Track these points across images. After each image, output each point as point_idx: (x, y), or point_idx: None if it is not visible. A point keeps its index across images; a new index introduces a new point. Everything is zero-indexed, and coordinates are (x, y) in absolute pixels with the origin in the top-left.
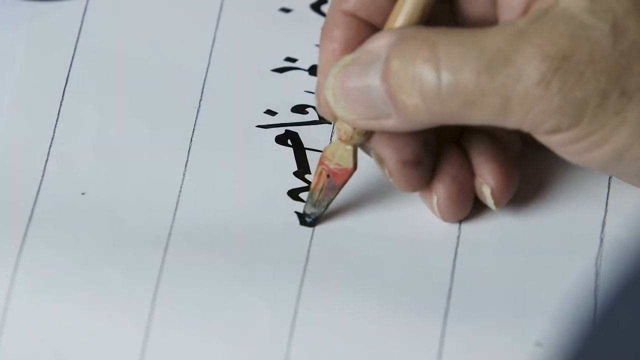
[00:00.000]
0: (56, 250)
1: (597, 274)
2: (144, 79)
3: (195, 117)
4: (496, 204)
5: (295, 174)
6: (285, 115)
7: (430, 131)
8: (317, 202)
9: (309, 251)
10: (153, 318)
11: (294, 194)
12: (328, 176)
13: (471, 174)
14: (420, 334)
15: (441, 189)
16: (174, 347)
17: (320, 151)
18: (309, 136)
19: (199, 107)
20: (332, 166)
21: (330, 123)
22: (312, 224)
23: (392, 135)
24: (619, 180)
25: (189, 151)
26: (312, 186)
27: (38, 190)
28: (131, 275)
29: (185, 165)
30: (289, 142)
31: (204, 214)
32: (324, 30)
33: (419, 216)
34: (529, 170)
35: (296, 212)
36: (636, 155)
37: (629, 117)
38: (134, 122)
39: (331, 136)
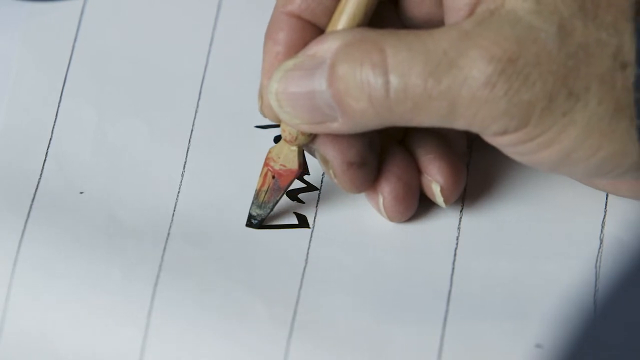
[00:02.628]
0: (54, 248)
1: (596, 275)
2: (142, 79)
3: (193, 117)
4: (445, 201)
5: None
6: None
7: (374, 132)
8: (263, 203)
9: (308, 252)
10: (152, 317)
11: (292, 194)
12: (273, 177)
13: (416, 172)
14: (420, 337)
15: (387, 189)
16: (172, 346)
17: None
18: None
19: (197, 107)
20: (277, 167)
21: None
22: (258, 225)
23: (337, 136)
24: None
25: (187, 151)
26: (257, 188)
27: (36, 189)
28: (130, 274)
29: (184, 165)
30: None
31: (203, 214)
32: (268, 32)
33: (418, 218)
34: (529, 171)
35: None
36: (583, 155)
37: (577, 117)
38: (132, 122)
39: None
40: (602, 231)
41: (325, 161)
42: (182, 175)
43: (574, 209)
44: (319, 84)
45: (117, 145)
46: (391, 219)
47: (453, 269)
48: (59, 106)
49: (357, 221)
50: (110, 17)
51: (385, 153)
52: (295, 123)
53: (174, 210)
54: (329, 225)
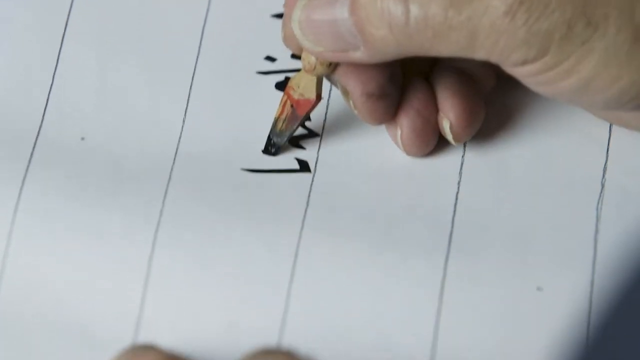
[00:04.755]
0: (55, 194)
1: (597, 217)
2: (143, 25)
3: (194, 63)
4: (455, 139)
5: None
6: (285, 62)
7: (396, 64)
8: (280, 132)
9: (309, 197)
10: (153, 262)
11: (293, 140)
12: (292, 106)
13: (436, 109)
14: (421, 278)
15: (405, 122)
16: (173, 291)
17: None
18: None
19: (199, 53)
20: (296, 96)
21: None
22: (275, 153)
23: (357, 67)
24: (621, 127)
25: (188, 96)
26: (275, 115)
27: (37, 135)
28: (131, 218)
29: (185, 111)
30: None
31: (204, 159)
32: None
33: (419, 163)
34: (531, 115)
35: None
36: (602, 84)
37: (595, 46)
38: (133, 69)
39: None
40: (603, 176)
41: (345, 92)
42: (184, 121)
43: (576, 152)
44: (341, 11)
45: (119, 91)
46: (408, 152)
47: (454, 211)
48: (59, 53)
49: (358, 167)
50: None
51: (408, 87)
52: (318, 51)
53: (175, 155)
54: (330, 170)
